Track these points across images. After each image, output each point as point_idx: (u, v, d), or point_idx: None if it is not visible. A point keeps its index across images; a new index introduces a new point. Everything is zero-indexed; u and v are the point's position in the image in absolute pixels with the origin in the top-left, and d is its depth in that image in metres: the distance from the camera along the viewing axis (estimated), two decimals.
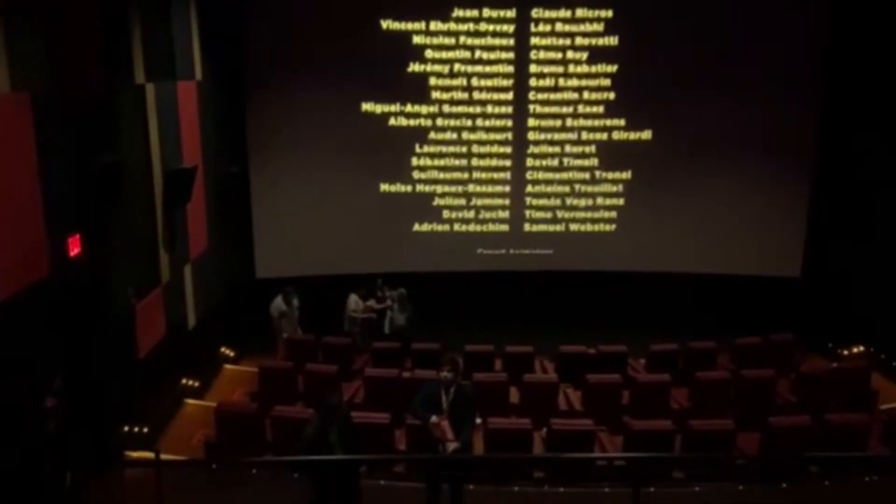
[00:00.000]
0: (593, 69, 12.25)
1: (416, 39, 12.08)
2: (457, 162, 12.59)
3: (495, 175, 12.67)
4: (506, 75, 12.30)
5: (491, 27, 12.14)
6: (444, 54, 12.16)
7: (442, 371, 6.26)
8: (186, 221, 9.88)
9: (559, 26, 12.16)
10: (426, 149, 12.50)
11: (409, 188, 12.62)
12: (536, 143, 12.57)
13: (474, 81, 12.29)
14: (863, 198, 11.70)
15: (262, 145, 12.18)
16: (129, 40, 8.15)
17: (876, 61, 11.28)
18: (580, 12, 12.08)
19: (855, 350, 11.11)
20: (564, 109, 12.43)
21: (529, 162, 12.63)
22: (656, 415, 8.10)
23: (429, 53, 12.13)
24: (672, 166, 12.55)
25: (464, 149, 12.55)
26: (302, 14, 11.88)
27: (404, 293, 11.37)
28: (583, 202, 12.78)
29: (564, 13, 12.09)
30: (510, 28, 12.15)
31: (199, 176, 9.85)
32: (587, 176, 12.67)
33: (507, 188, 12.75)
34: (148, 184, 8.69)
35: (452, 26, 12.09)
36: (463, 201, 12.74)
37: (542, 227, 12.88)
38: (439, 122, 12.40)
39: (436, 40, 12.11)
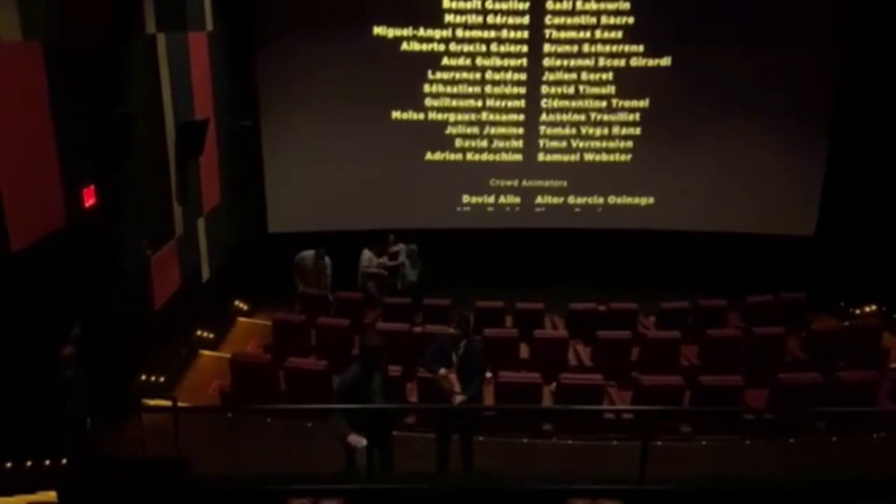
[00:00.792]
0: None
1: None
2: (470, 89, 12.29)
3: (509, 103, 12.37)
4: None
5: None
6: None
7: (451, 327, 6.32)
8: (199, 174, 9.90)
9: None
10: (439, 75, 12.20)
11: (422, 116, 12.33)
12: (552, 69, 12.23)
13: (489, 4, 11.96)
14: (879, 158, 11.53)
15: (274, 98, 12.07)
16: None
17: None
18: None
19: (867, 309, 11.09)
20: (581, 34, 12.06)
21: (544, 89, 12.31)
22: (666, 371, 8.16)
23: None
24: (691, 98, 12.21)
25: (477, 75, 12.24)
26: None
27: (415, 249, 11.39)
28: (598, 131, 12.49)
29: None
30: None
31: (210, 129, 9.83)
32: (603, 104, 12.36)
33: (522, 116, 12.44)
34: (160, 136, 8.68)
35: None
36: (476, 129, 12.46)
37: (557, 157, 12.62)
38: (452, 46, 12.09)
39: None
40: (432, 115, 12.37)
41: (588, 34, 12.06)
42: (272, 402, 7.61)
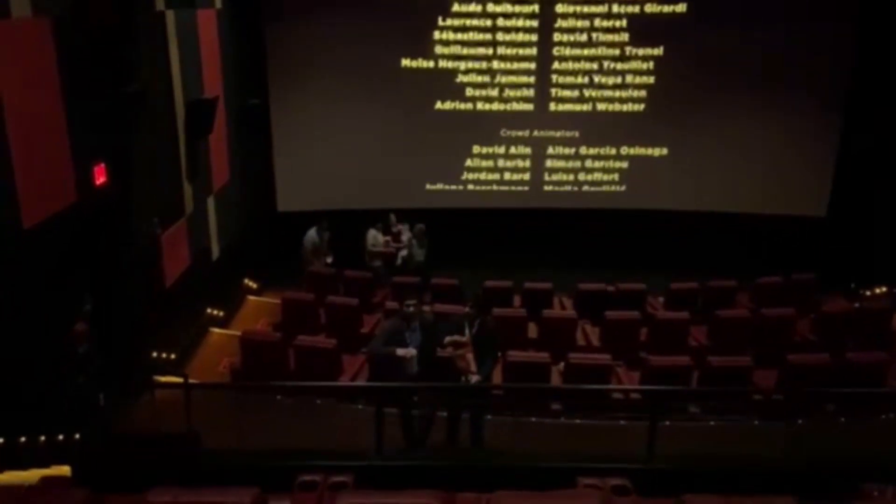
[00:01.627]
0: None
1: None
2: (480, 36, 12.11)
3: (520, 50, 12.18)
4: None
5: None
6: None
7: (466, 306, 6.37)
8: (209, 153, 9.89)
9: None
10: (449, 22, 12.04)
11: (431, 64, 12.18)
12: (564, 16, 12.01)
13: None
14: (892, 139, 11.39)
15: (283, 76, 12.03)
16: None
17: None
18: None
19: (877, 291, 11.03)
20: None
21: (556, 37, 12.08)
22: (674, 351, 8.14)
23: None
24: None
25: (488, 22, 12.05)
26: None
27: (423, 228, 11.37)
28: (611, 80, 12.27)
29: None
30: None
31: (219, 107, 9.80)
32: (616, 52, 12.15)
33: (533, 65, 12.23)
34: (170, 114, 8.67)
35: None
36: (487, 78, 12.29)
37: (569, 107, 12.41)
38: None
39: None
40: (442, 64, 12.17)
41: None
42: (281, 379, 7.66)
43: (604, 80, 12.25)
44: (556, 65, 12.21)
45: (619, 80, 12.25)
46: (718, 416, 7.12)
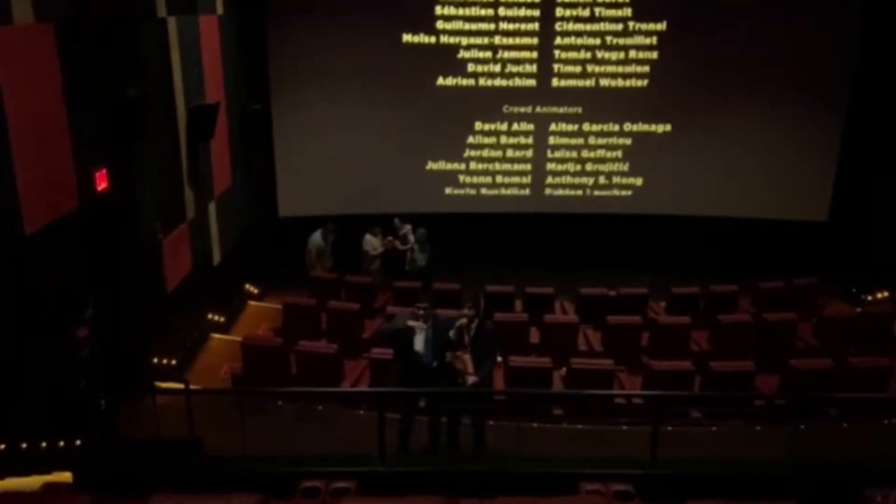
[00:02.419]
0: None
1: None
2: (483, 12, 12.04)
3: (522, 26, 12.09)
4: None
5: None
6: None
7: (465, 307, 6.37)
8: (210, 158, 9.90)
9: None
10: None
11: (433, 39, 12.09)
12: None
13: None
14: (893, 143, 11.40)
15: (284, 81, 12.06)
16: None
17: None
18: None
19: (879, 296, 11.02)
20: None
21: (559, 11, 12.01)
22: (676, 356, 8.14)
23: None
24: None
25: None
26: None
27: (424, 233, 11.39)
28: (614, 55, 12.18)
29: None
30: None
31: (221, 113, 9.82)
32: (619, 27, 12.05)
33: (535, 40, 12.15)
34: (172, 119, 8.68)
35: None
36: (489, 54, 12.21)
37: (571, 83, 12.33)
38: None
39: None
40: (444, 39, 12.10)
41: None
42: (283, 385, 7.66)
43: (607, 55, 12.15)
44: (558, 40, 12.13)
45: (622, 55, 12.15)
46: (721, 421, 7.12)
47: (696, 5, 11.88)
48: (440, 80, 12.26)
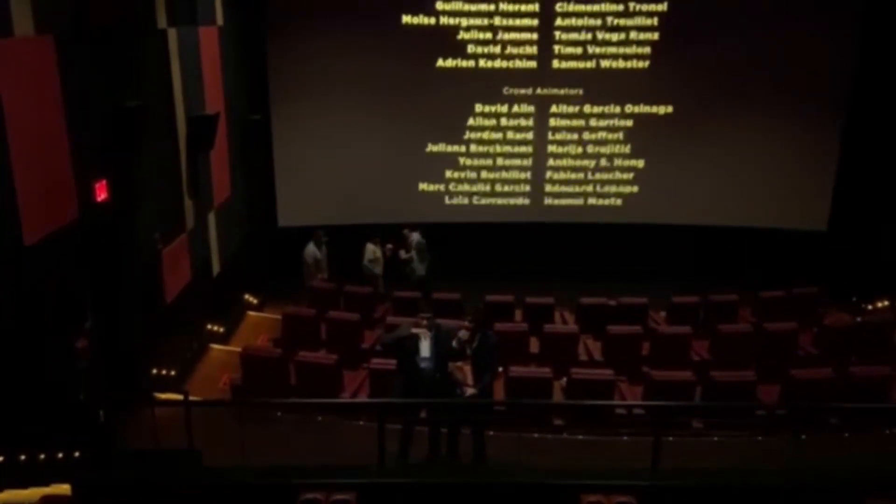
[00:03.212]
0: None
1: None
2: None
3: (523, 7, 12.03)
4: None
5: None
6: None
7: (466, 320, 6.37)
8: (210, 169, 9.91)
9: None
10: None
11: (433, 20, 12.02)
12: None
13: None
14: (892, 150, 11.43)
15: (284, 92, 12.09)
16: None
17: None
18: None
19: (879, 304, 11.02)
20: None
21: None
22: (676, 366, 8.13)
23: None
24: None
25: None
26: None
27: (423, 242, 11.39)
28: (615, 36, 12.09)
29: None
30: None
31: (221, 123, 9.83)
32: (620, 8, 11.99)
33: (535, 21, 12.08)
34: (171, 130, 8.69)
35: None
36: (489, 35, 12.13)
37: (572, 64, 12.25)
38: None
39: None
40: (444, 20, 12.04)
41: None
42: (282, 395, 7.64)
43: (607, 36, 12.09)
44: (559, 21, 12.07)
45: (623, 36, 12.09)
46: (722, 431, 7.10)
47: None
48: (440, 62, 12.16)
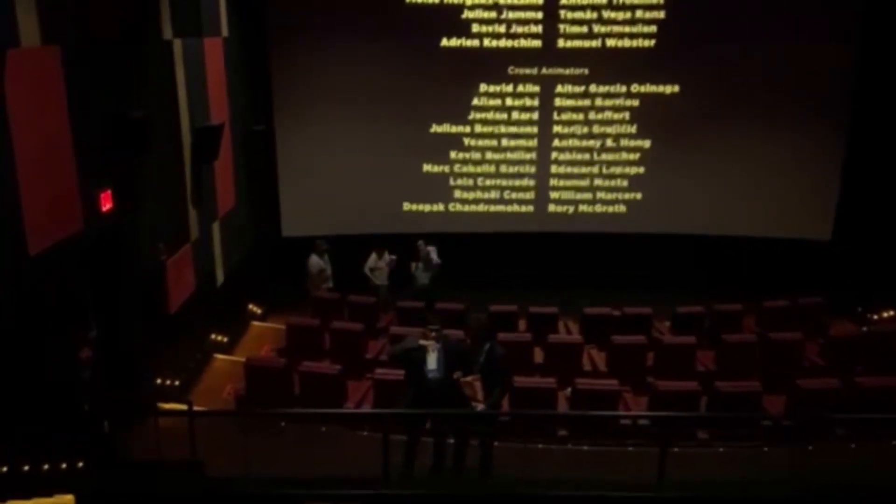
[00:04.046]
0: None
1: None
2: None
3: None
4: None
5: None
6: None
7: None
8: (214, 179, 9.94)
9: None
10: None
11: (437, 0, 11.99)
12: None
13: None
14: None
15: (287, 102, 12.13)
16: None
17: None
18: None
19: (885, 315, 10.97)
20: None
21: None
22: (681, 376, 8.09)
23: None
24: (700, 99, 12.09)
25: None
26: None
27: (429, 252, 11.37)
28: (621, 15, 11.99)
29: None
30: None
31: (225, 133, 9.87)
32: None
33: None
34: (176, 140, 8.72)
35: None
36: (493, 14, 12.05)
37: (577, 43, 12.16)
38: None
39: None
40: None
41: None
42: (286, 405, 7.61)
43: (613, 14, 11.99)
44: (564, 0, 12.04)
45: (628, 14, 12.00)
46: (728, 442, 7.05)
47: None
48: (444, 42, 12.08)
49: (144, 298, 7.79)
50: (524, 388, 7.58)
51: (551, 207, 12.90)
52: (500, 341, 8.54)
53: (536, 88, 12.38)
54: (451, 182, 12.79)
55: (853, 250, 11.99)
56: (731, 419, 7.37)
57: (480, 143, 12.65)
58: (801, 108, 12.05)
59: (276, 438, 6.98)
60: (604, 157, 12.67)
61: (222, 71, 10.24)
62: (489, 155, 12.71)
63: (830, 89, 11.95)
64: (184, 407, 6.75)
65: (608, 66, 12.21)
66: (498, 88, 12.37)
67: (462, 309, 9.86)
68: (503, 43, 12.15)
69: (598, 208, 12.86)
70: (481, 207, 12.90)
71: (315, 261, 11.03)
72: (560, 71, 12.29)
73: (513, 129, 12.59)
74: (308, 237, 11.71)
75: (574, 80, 12.33)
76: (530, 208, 12.88)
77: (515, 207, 12.93)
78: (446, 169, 12.72)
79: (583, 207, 12.88)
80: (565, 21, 12.08)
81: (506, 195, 12.88)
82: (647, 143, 12.56)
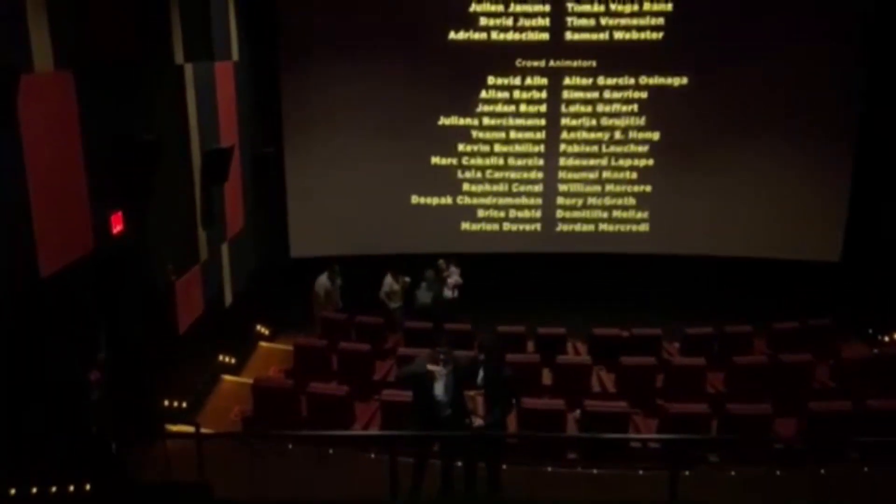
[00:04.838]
0: None
1: None
2: None
3: None
4: None
5: None
6: None
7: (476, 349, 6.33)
8: (223, 201, 10.00)
9: None
10: None
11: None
12: None
13: None
14: None
15: (297, 125, 12.23)
16: (169, 21, 8.22)
17: None
18: None
19: (895, 336, 10.88)
20: None
21: None
22: (691, 398, 8.04)
23: None
24: (708, 118, 12.11)
25: None
26: None
27: (432, 274, 11.39)
28: (628, 7, 11.91)
29: None
30: None
31: (235, 155, 9.95)
32: None
33: None
34: (186, 163, 8.80)
35: None
36: (501, 6, 12.06)
37: (585, 36, 12.04)
38: None
39: None
40: None
41: None
42: (294, 427, 7.59)
43: (620, 7, 12.01)
44: None
45: (636, 7, 12.00)
46: (739, 465, 6.98)
47: None
48: (452, 35, 12.11)
49: (153, 320, 7.81)
50: (532, 409, 7.54)
51: (560, 200, 12.83)
52: (509, 361, 8.56)
53: (544, 81, 12.37)
54: (460, 175, 12.73)
55: (863, 271, 11.93)
56: (743, 442, 7.29)
57: (488, 135, 12.63)
58: (808, 127, 12.05)
59: (284, 460, 6.96)
60: (612, 149, 12.60)
61: (232, 94, 10.36)
62: (497, 147, 12.67)
63: (838, 108, 11.95)
64: (191, 429, 6.75)
65: (616, 58, 12.18)
66: (506, 81, 12.37)
67: (469, 330, 9.85)
68: (511, 36, 12.18)
69: (608, 201, 12.79)
70: (489, 200, 12.84)
71: (323, 282, 11.04)
72: (568, 63, 12.28)
73: (520, 122, 12.59)
74: (316, 258, 11.75)
75: (582, 72, 12.32)
76: (538, 200, 12.82)
77: (524, 200, 12.85)
78: (454, 161, 12.67)
79: (592, 200, 12.81)
80: (573, 14, 12.10)
81: (514, 188, 12.82)
82: (656, 136, 12.48)
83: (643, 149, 12.56)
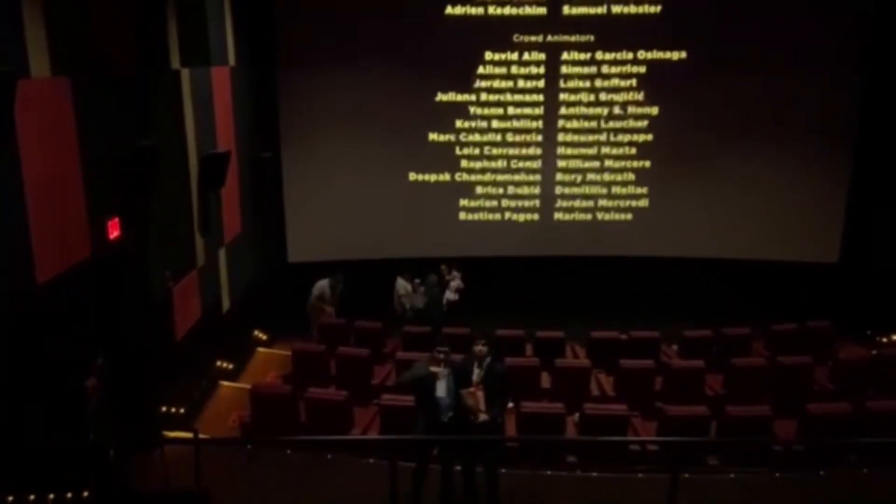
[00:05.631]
0: None
1: None
2: None
3: None
4: None
5: None
6: None
7: (477, 345, 6.28)
8: (221, 206, 9.99)
9: None
10: None
11: None
12: None
13: None
14: None
15: (294, 130, 12.24)
16: (165, 27, 8.23)
17: None
18: None
19: (894, 337, 10.88)
20: None
21: None
22: (690, 401, 8.02)
23: None
24: (708, 123, 12.14)
25: None
26: None
27: (433, 280, 11.39)
28: None
29: None
30: None
31: (232, 160, 9.94)
32: None
33: None
34: (183, 168, 8.79)
35: None
36: None
37: (583, 10, 11.99)
38: None
39: None
40: None
41: None
42: (292, 432, 7.56)
43: None
44: None
45: None
46: (739, 467, 6.97)
47: None
48: (448, 10, 12.03)
49: (150, 326, 7.79)
50: (531, 413, 7.52)
51: (559, 176, 12.76)
52: (508, 365, 8.53)
53: (542, 56, 12.28)
54: (458, 151, 12.66)
55: (861, 273, 11.94)
56: (742, 444, 7.28)
57: (486, 111, 12.55)
58: (805, 129, 12.09)
59: (282, 466, 6.93)
60: (611, 124, 12.54)
61: (229, 99, 10.35)
62: (495, 123, 12.59)
63: (836, 111, 11.98)
64: (189, 435, 6.71)
65: (614, 32, 12.09)
66: (503, 56, 12.29)
67: (468, 334, 9.81)
68: (508, 10, 12.09)
69: (607, 176, 12.73)
70: (487, 176, 12.76)
71: (322, 285, 11.02)
72: (566, 38, 12.19)
73: (518, 98, 12.50)
74: (314, 263, 11.74)
75: (580, 46, 12.22)
76: (537, 177, 12.76)
77: (523, 176, 12.78)
78: (452, 138, 12.60)
79: (591, 176, 12.73)
80: None
81: (513, 164, 12.74)
82: (654, 110, 12.39)
83: (642, 124, 12.47)
